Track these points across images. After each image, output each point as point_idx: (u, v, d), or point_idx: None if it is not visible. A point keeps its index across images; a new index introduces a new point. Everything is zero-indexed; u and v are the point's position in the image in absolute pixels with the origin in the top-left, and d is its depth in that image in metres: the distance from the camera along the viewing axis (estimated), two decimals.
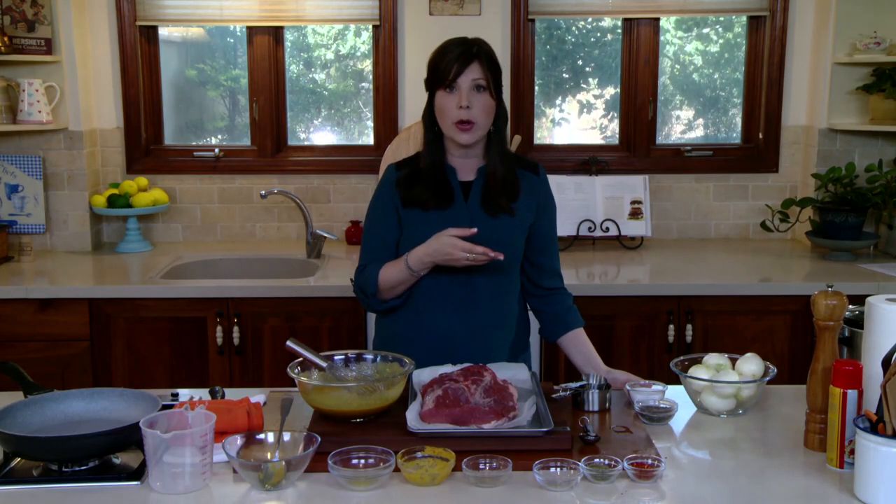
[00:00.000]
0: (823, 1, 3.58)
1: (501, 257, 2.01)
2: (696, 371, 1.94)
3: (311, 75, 3.95)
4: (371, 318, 3.08)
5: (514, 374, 1.95)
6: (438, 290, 2.15)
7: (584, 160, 3.78)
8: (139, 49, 3.71)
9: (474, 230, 2.02)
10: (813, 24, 3.67)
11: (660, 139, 3.91)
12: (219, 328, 3.09)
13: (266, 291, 3.09)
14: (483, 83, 2.08)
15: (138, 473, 1.62)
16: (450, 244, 2.01)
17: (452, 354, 2.08)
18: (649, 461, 1.61)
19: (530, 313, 2.34)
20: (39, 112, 3.40)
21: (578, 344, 2.23)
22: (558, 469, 1.59)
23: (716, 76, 3.97)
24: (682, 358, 2.02)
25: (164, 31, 3.81)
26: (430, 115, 2.15)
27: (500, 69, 2.13)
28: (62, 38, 3.48)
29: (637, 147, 3.85)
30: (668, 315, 3.10)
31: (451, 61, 2.06)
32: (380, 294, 2.14)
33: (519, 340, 2.28)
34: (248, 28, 3.77)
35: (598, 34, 3.95)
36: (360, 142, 3.95)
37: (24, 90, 3.38)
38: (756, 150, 3.84)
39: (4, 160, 3.56)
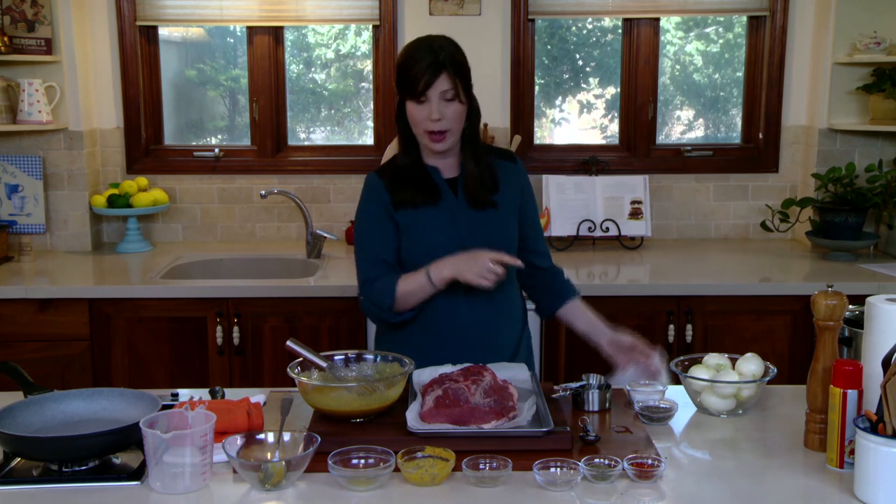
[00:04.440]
0: (823, 1, 3.58)
1: (520, 263, 2.05)
2: (696, 371, 1.94)
3: (311, 75, 3.95)
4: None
5: (514, 374, 1.95)
6: (444, 306, 2.16)
7: (584, 160, 3.78)
8: (139, 49, 3.71)
9: (518, 262, 2.06)
10: (813, 24, 3.67)
11: (660, 139, 3.91)
12: (219, 328, 3.09)
13: (266, 291, 3.09)
14: (452, 93, 2.06)
15: (138, 473, 1.62)
16: (479, 252, 2.03)
17: (466, 348, 2.11)
18: (649, 461, 1.61)
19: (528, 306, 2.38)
20: (39, 112, 3.40)
21: (578, 312, 2.25)
22: (558, 469, 1.59)
23: (716, 76, 3.97)
24: (682, 358, 2.02)
25: (164, 31, 3.81)
26: (402, 119, 2.14)
27: (467, 69, 2.11)
28: (62, 38, 3.48)
29: (637, 147, 3.85)
30: (668, 315, 3.10)
31: (419, 73, 2.04)
32: (395, 306, 2.13)
33: (522, 326, 2.33)
34: (248, 28, 3.77)
35: (599, 34, 3.95)
36: (360, 142, 3.95)
37: (24, 90, 3.38)
38: (756, 150, 3.84)
39: (4, 160, 3.56)
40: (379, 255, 2.16)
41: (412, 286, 2.10)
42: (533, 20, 3.75)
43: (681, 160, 3.83)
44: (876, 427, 1.49)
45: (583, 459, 1.61)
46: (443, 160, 2.18)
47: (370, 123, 3.88)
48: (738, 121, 3.93)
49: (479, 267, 2.00)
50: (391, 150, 3.48)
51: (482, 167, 2.18)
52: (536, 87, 3.86)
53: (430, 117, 2.06)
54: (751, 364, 1.94)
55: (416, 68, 2.05)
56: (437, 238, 2.14)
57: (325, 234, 3.52)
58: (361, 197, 2.22)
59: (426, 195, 2.15)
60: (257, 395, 1.94)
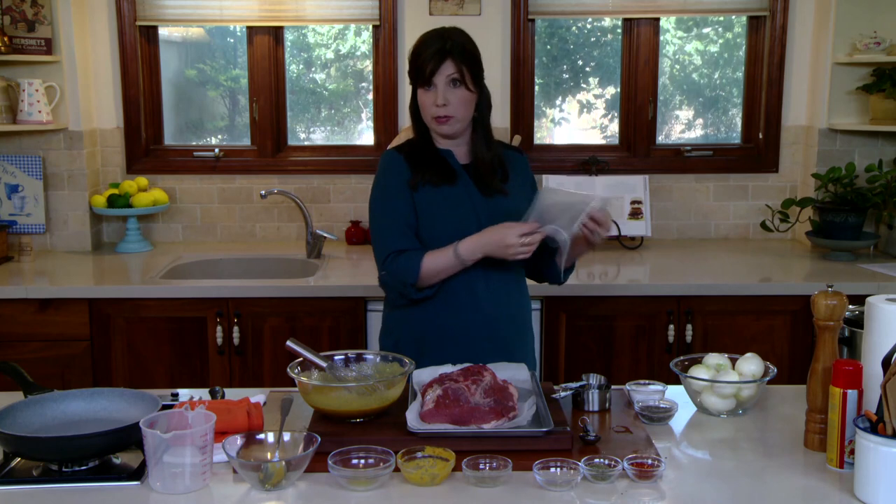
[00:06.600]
0: (823, 1, 3.58)
1: (543, 233, 2.04)
2: (696, 371, 1.94)
3: (311, 75, 3.95)
4: (372, 317, 3.09)
5: (514, 374, 1.95)
6: (461, 281, 2.17)
7: (584, 160, 3.78)
8: (139, 49, 3.71)
9: (535, 224, 2.05)
10: (813, 24, 3.67)
11: (660, 139, 3.90)
12: (219, 328, 3.09)
13: (266, 291, 3.09)
14: (457, 77, 2.13)
15: (138, 473, 1.62)
16: (504, 228, 2.05)
17: (481, 324, 2.16)
18: (649, 461, 1.61)
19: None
20: (39, 112, 3.40)
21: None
22: (558, 469, 1.59)
23: (716, 76, 3.97)
24: (682, 358, 2.02)
25: (164, 31, 3.81)
26: (416, 108, 2.23)
27: (476, 59, 2.17)
28: (62, 38, 3.48)
29: (637, 147, 3.85)
30: (668, 315, 3.10)
31: (425, 59, 2.12)
32: (419, 283, 2.15)
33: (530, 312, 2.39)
34: (248, 28, 3.77)
35: (598, 34, 3.95)
36: (360, 142, 3.95)
37: (24, 90, 3.38)
38: (756, 150, 3.84)
39: (4, 160, 3.56)
40: (403, 228, 2.17)
41: (439, 264, 2.12)
42: (533, 20, 3.75)
43: (681, 160, 3.83)
44: (876, 427, 1.49)
45: (583, 459, 1.61)
46: (456, 146, 2.23)
47: (370, 123, 3.87)
48: (738, 121, 3.92)
49: (512, 242, 2.03)
50: (398, 141, 3.48)
51: (493, 155, 2.23)
52: (536, 87, 3.85)
53: (435, 102, 2.13)
54: (751, 364, 1.94)
55: (423, 55, 2.13)
56: (457, 216, 2.17)
57: (325, 234, 3.52)
58: (379, 172, 2.24)
59: (445, 175, 2.19)
60: (257, 395, 1.94)
